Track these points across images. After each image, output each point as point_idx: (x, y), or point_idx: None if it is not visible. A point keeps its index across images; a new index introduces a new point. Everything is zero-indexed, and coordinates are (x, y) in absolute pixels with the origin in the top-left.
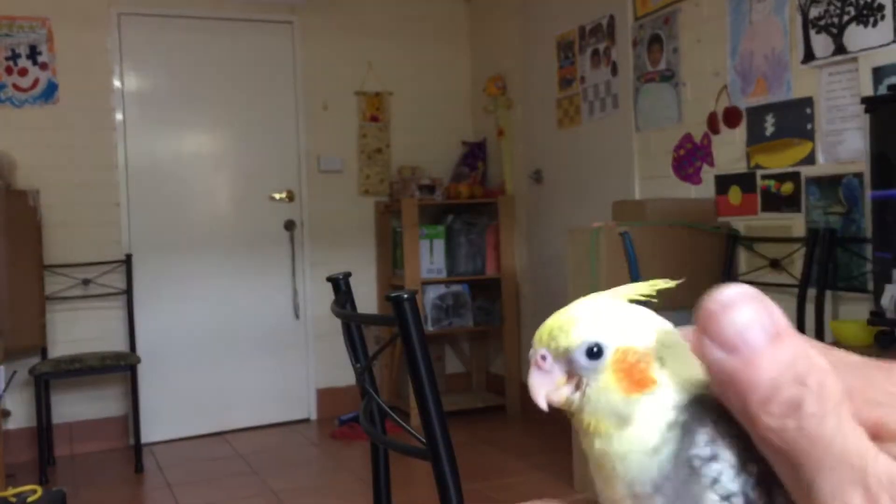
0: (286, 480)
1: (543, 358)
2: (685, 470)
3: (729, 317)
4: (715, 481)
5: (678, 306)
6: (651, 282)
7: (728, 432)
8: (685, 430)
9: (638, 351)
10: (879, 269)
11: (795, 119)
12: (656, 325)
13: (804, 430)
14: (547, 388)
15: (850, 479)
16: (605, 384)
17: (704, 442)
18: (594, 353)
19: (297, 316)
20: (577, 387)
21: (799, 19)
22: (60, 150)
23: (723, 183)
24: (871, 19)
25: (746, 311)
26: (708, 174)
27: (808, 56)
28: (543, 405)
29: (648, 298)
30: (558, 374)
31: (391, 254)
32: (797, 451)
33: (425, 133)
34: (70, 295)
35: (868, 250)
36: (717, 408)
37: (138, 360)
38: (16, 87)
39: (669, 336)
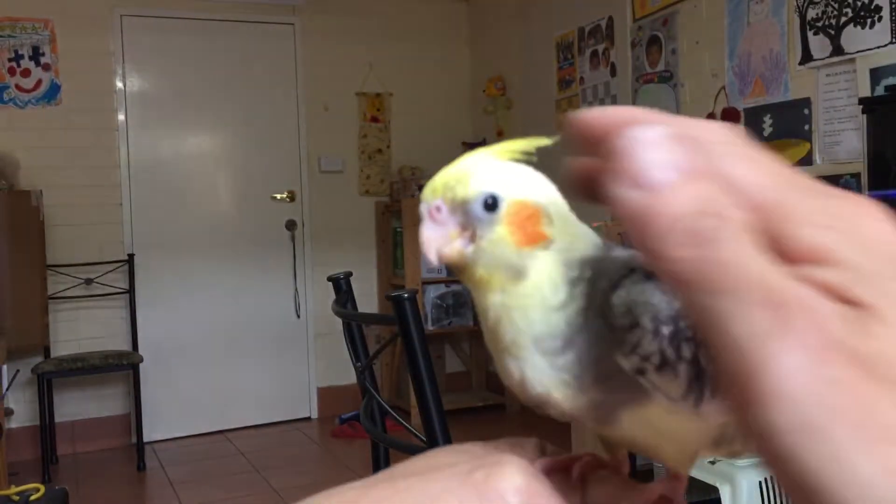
0: (287, 479)
1: (438, 209)
2: (598, 327)
3: (641, 153)
4: (636, 346)
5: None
6: (531, 139)
7: (642, 292)
8: (592, 286)
9: (531, 205)
10: None
11: (793, 120)
12: (547, 186)
13: (705, 259)
14: (439, 241)
15: (755, 301)
16: (498, 236)
17: (620, 305)
18: (490, 204)
19: (298, 315)
20: (471, 240)
21: (797, 20)
22: (63, 150)
23: None
24: (869, 20)
25: (661, 150)
26: None
27: (806, 57)
28: (435, 259)
29: (529, 157)
30: (452, 227)
31: (391, 254)
32: (700, 282)
33: (425, 133)
34: (73, 294)
35: None
36: (621, 268)
37: (140, 359)
38: (19, 87)
39: (559, 199)
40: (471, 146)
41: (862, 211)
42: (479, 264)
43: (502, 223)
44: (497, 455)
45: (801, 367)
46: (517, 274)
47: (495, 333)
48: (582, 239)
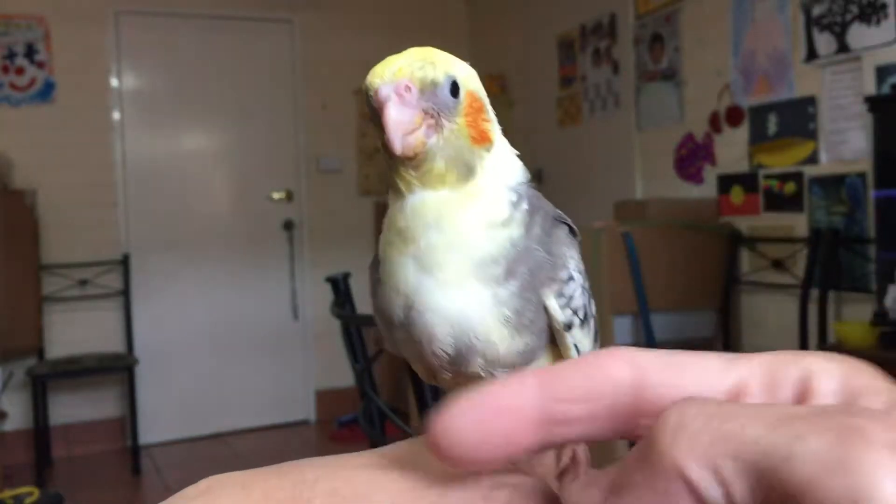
0: None
1: (408, 89)
2: (537, 260)
3: None
4: (571, 298)
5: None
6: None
7: (572, 245)
8: (532, 219)
9: (479, 98)
10: (883, 270)
11: (798, 118)
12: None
13: None
14: (406, 126)
15: None
16: (458, 128)
17: (561, 254)
18: (454, 90)
19: (295, 317)
20: (435, 129)
21: (801, 18)
22: (57, 149)
23: (725, 183)
24: (875, 18)
25: None
26: (710, 174)
27: (811, 55)
28: (399, 147)
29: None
30: (417, 112)
31: None
32: None
33: None
34: (67, 295)
35: (871, 250)
36: (552, 213)
37: (136, 361)
38: (13, 86)
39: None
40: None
41: None
42: (438, 157)
43: (461, 114)
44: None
45: None
46: (469, 171)
47: (429, 257)
48: (510, 159)
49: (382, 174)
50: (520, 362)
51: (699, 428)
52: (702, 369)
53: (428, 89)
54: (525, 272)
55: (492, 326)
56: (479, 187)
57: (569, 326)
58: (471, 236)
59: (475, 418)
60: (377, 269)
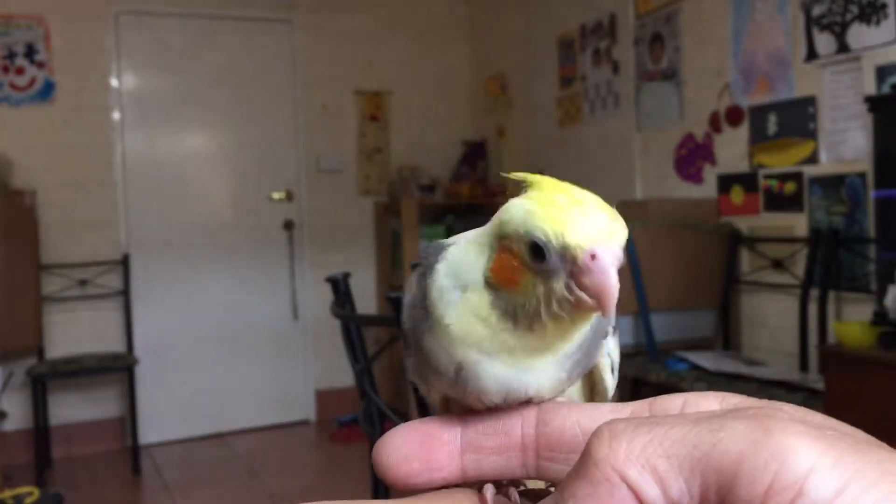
0: (285, 483)
1: (621, 258)
2: (595, 334)
3: None
4: (608, 351)
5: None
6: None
7: None
8: None
9: None
10: (883, 270)
11: (798, 118)
12: None
13: None
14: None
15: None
16: None
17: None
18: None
19: (295, 317)
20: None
21: (801, 18)
22: (57, 149)
23: (725, 182)
24: (875, 18)
25: None
26: (710, 174)
27: (811, 55)
28: (614, 314)
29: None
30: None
31: (391, 254)
32: None
33: (425, 133)
34: (67, 295)
35: (871, 250)
36: None
37: (136, 361)
38: (13, 86)
39: None
40: (471, 145)
41: None
42: None
43: None
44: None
45: None
46: None
47: (524, 348)
48: None
49: (382, 174)
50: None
51: (631, 435)
52: (595, 408)
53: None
54: (587, 343)
55: (545, 388)
56: None
57: (612, 370)
58: (569, 345)
59: (405, 442)
60: (424, 309)
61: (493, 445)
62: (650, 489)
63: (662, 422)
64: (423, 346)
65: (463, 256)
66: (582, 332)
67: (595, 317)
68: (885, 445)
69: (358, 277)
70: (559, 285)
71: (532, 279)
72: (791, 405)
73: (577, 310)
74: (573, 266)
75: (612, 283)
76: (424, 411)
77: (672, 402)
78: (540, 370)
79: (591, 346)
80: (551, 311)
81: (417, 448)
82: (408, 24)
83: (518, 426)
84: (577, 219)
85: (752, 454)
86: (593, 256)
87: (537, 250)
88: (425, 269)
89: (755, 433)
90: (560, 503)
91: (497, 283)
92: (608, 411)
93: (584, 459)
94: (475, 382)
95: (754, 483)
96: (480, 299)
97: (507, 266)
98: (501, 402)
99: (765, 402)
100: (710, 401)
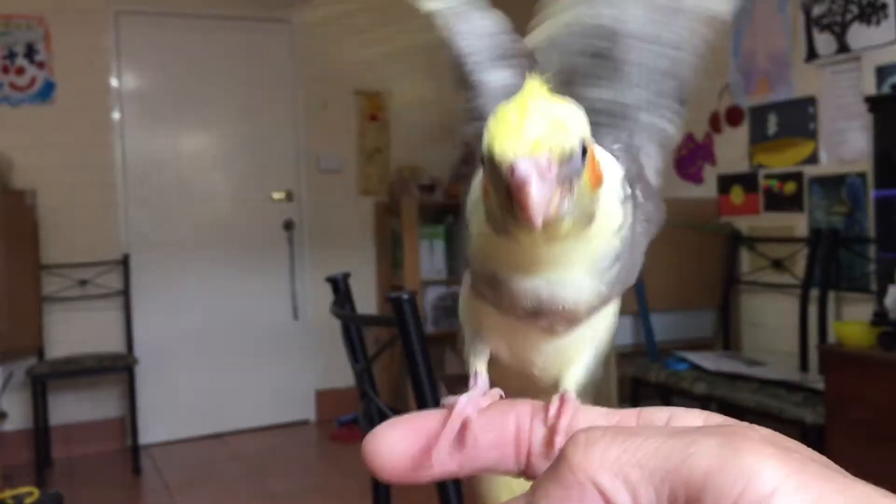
0: (285, 482)
1: (549, 167)
2: (633, 235)
3: None
4: (642, 243)
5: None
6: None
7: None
8: (631, 202)
9: (592, 146)
10: (883, 270)
11: (798, 118)
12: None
13: None
14: (546, 203)
15: None
16: (584, 185)
17: (641, 215)
18: (584, 152)
19: (295, 317)
20: (567, 195)
21: (802, 18)
22: (57, 149)
23: (725, 182)
24: (875, 18)
25: None
26: (710, 174)
27: (811, 55)
28: (539, 226)
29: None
30: (555, 186)
31: (391, 254)
32: None
33: (425, 133)
34: (67, 295)
35: (871, 250)
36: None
37: (136, 362)
38: (12, 86)
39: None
40: (471, 145)
41: None
42: (567, 218)
43: (585, 170)
44: None
45: None
46: (590, 218)
47: (544, 262)
48: (610, 162)
49: (382, 174)
50: (588, 311)
51: (607, 444)
52: (586, 412)
53: (565, 161)
54: (627, 254)
55: (583, 300)
56: (598, 225)
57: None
58: (589, 259)
59: (398, 436)
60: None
61: (488, 441)
62: (620, 497)
63: (638, 433)
64: (467, 252)
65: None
66: (609, 244)
67: (624, 229)
68: (849, 475)
69: (358, 277)
70: (502, 192)
71: (492, 191)
72: (768, 430)
73: (516, 217)
74: (504, 175)
75: (529, 195)
76: (423, 406)
77: (658, 415)
78: (574, 284)
79: (630, 261)
80: (508, 221)
81: (410, 445)
82: (408, 25)
83: (512, 422)
84: (506, 132)
85: (720, 471)
86: (514, 168)
87: (483, 162)
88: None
89: (725, 451)
90: (532, 503)
91: (483, 195)
92: (599, 416)
93: (559, 463)
94: (507, 286)
95: (720, 498)
96: (480, 214)
97: (484, 178)
98: (537, 306)
99: (744, 424)
100: (693, 416)
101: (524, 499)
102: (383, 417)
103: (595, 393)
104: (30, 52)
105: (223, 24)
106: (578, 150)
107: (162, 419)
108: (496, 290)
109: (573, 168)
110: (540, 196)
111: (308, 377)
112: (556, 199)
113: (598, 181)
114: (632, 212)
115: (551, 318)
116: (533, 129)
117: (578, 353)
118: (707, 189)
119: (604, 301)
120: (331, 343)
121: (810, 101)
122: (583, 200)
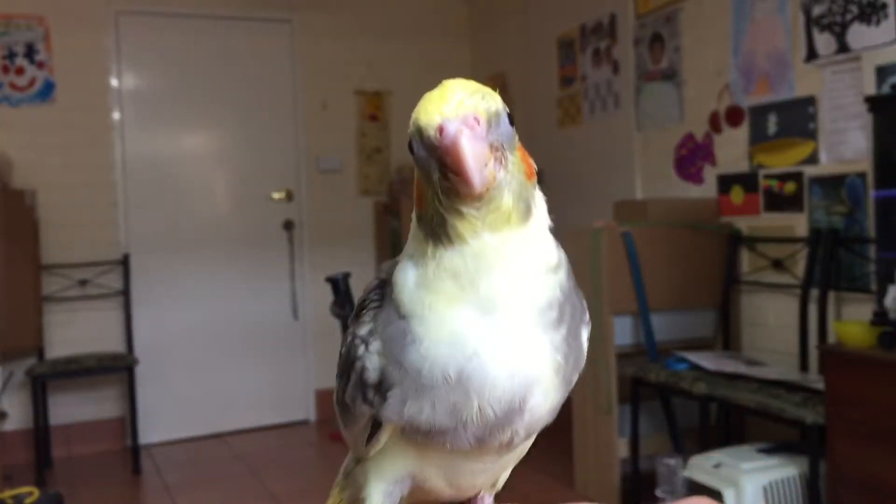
0: (285, 482)
1: (477, 121)
2: (575, 302)
3: None
4: (588, 322)
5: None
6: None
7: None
8: (567, 262)
9: (521, 145)
10: (883, 270)
11: (798, 118)
12: None
13: None
14: (481, 160)
15: None
16: (516, 161)
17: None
18: (511, 119)
19: (295, 316)
20: (501, 163)
21: (802, 18)
22: (57, 149)
23: (725, 182)
24: (875, 18)
25: None
26: (710, 174)
27: (811, 55)
28: (479, 182)
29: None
30: (487, 146)
31: (390, 254)
32: None
33: None
34: (67, 295)
35: (871, 250)
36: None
37: (136, 361)
38: (13, 86)
39: None
40: None
41: None
42: (507, 192)
43: (516, 147)
44: None
45: None
46: (528, 210)
47: (492, 302)
48: (539, 194)
49: (382, 174)
50: (548, 422)
51: None
52: None
53: (493, 121)
54: (569, 317)
55: (548, 376)
56: (534, 229)
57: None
58: (534, 281)
59: None
60: (405, 328)
61: None
62: None
63: None
64: (406, 366)
65: (404, 257)
66: (548, 285)
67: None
68: None
69: (358, 277)
70: (436, 176)
71: (425, 185)
72: None
73: (456, 195)
74: (435, 151)
75: (462, 150)
76: None
77: None
78: (532, 337)
79: (573, 324)
80: (444, 206)
81: None
82: (408, 24)
83: None
84: (425, 102)
85: None
86: (441, 130)
87: (410, 147)
88: (376, 305)
89: None
90: None
91: (418, 212)
92: None
93: None
94: (482, 370)
95: None
96: (423, 257)
97: (416, 181)
98: (505, 406)
99: None
100: None
101: None
102: None
103: (595, 393)
104: (30, 52)
105: (223, 24)
106: (504, 115)
107: (162, 419)
108: (467, 384)
109: (503, 133)
110: (472, 151)
111: (308, 377)
112: (491, 162)
113: (531, 172)
114: (565, 268)
115: (513, 430)
116: (455, 95)
117: (517, 456)
118: (707, 189)
119: (560, 396)
120: (331, 343)
121: (810, 101)
122: (519, 178)
